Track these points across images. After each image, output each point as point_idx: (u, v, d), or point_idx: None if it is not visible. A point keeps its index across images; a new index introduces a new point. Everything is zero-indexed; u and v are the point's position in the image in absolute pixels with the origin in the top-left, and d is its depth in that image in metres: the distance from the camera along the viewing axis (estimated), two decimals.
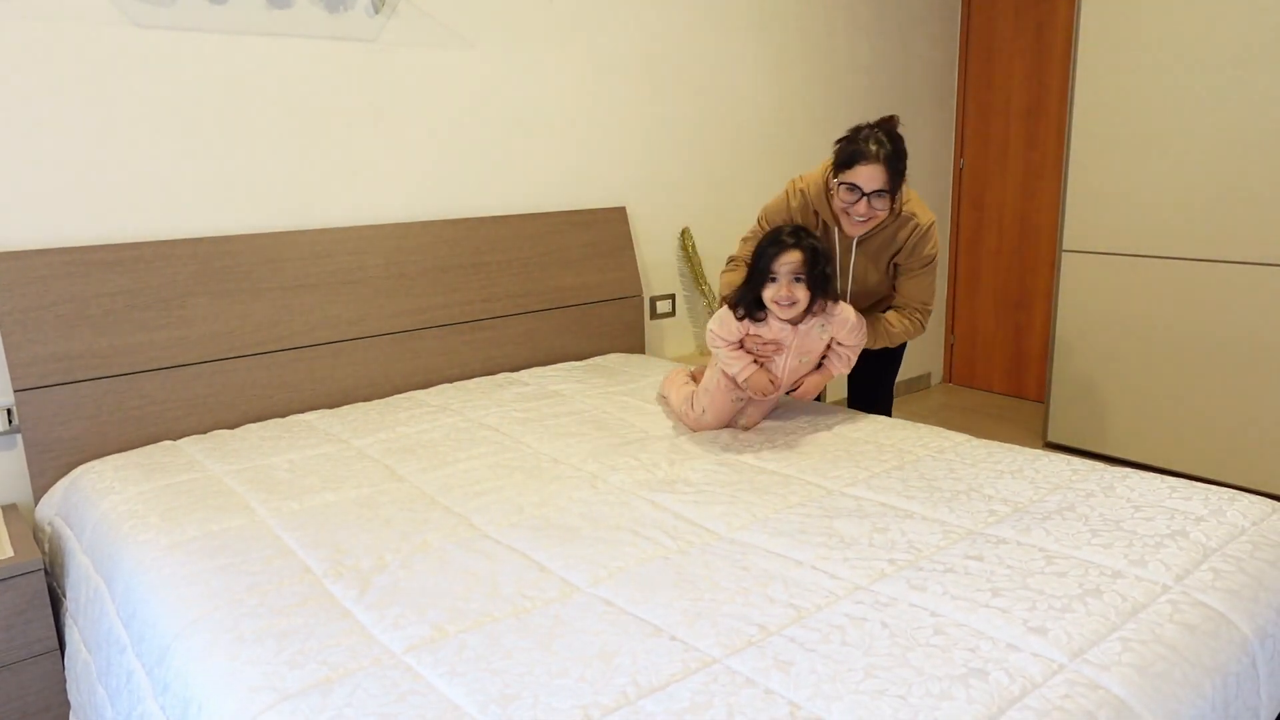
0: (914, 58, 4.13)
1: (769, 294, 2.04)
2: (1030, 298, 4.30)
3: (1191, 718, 1.13)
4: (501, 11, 2.78)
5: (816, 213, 2.27)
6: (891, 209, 2.16)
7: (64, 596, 1.85)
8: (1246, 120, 3.01)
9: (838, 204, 2.16)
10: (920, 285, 2.29)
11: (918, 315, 2.32)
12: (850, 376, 2.60)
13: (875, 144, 2.06)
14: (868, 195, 2.08)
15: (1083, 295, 3.53)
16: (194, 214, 2.31)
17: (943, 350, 4.72)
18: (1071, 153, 3.49)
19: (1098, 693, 1.10)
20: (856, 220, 2.15)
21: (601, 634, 1.25)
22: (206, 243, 2.28)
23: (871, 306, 2.41)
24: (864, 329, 2.18)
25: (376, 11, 2.53)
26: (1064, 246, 3.56)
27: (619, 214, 3.11)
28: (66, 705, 1.85)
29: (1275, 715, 1.35)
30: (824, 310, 2.10)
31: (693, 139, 3.35)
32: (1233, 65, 3.02)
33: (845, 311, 2.14)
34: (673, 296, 3.40)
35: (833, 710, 1.06)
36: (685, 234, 3.35)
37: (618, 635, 1.24)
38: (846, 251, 2.30)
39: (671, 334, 3.43)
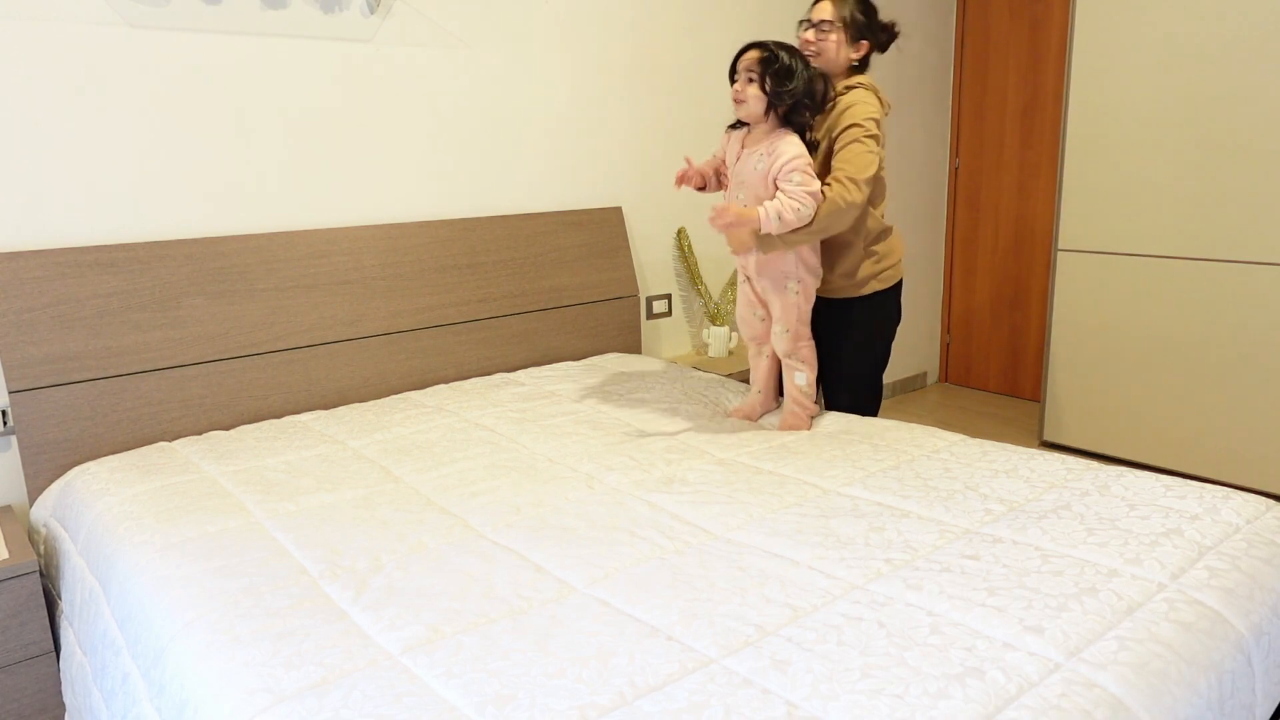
0: (909, 57, 4.14)
1: (731, 92, 2.13)
2: (1026, 297, 4.30)
3: (1187, 715, 1.13)
4: (497, 12, 2.78)
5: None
6: (837, 57, 2.20)
7: (59, 598, 1.84)
8: (1241, 119, 3.02)
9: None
10: (841, 155, 2.12)
11: (836, 184, 2.10)
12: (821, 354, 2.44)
13: None
14: (815, 24, 2.21)
15: (1078, 294, 3.54)
16: (189, 214, 2.31)
17: (938, 350, 4.72)
18: (1067, 152, 3.50)
19: (1094, 691, 1.10)
20: (807, 53, 2.20)
21: (598, 634, 1.25)
22: (201, 243, 2.27)
23: (830, 247, 2.31)
24: (808, 188, 2.04)
25: (372, 12, 2.52)
26: (1059, 246, 3.56)
27: (615, 214, 3.11)
28: (62, 707, 1.85)
29: (1271, 712, 1.36)
30: (769, 140, 2.09)
31: (688, 139, 3.35)
32: (1227, 64, 3.03)
33: (788, 146, 2.06)
34: (669, 296, 3.40)
35: (830, 710, 1.06)
36: (681, 234, 3.35)
37: (614, 636, 1.24)
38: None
39: (668, 334, 3.43)
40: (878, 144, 2.14)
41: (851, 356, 2.39)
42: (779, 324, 2.23)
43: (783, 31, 3.57)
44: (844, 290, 2.34)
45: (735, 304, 3.41)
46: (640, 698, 1.10)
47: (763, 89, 2.06)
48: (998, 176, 4.32)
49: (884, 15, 2.28)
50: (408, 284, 2.62)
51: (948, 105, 4.42)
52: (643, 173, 3.24)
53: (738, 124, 2.21)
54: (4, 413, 2.09)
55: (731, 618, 1.28)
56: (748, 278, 2.28)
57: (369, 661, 1.21)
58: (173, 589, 1.43)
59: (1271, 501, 1.66)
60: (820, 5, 2.24)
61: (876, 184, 2.27)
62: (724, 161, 2.27)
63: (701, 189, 2.31)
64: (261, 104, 2.38)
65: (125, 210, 2.21)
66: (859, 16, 2.22)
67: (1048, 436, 3.74)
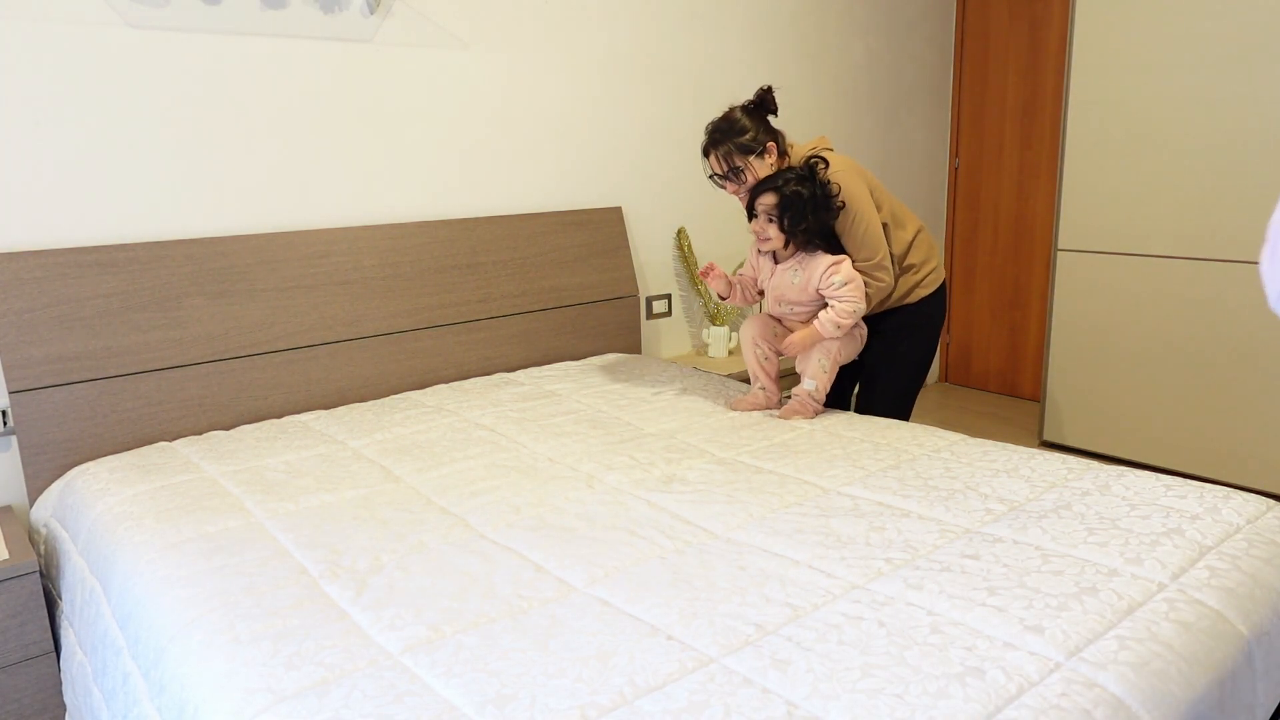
0: (909, 58, 4.14)
1: (750, 227, 2.27)
2: (1025, 297, 4.30)
3: (1188, 715, 1.13)
4: (497, 12, 2.78)
5: None
6: (763, 174, 2.24)
7: (59, 598, 1.84)
8: (1241, 118, 3.02)
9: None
10: (849, 239, 2.26)
11: (866, 275, 2.27)
12: (854, 378, 2.56)
13: (708, 136, 2.27)
14: (725, 177, 2.27)
15: (1078, 294, 3.54)
16: (189, 215, 2.31)
17: (939, 350, 4.72)
18: (1066, 151, 3.50)
19: (1094, 691, 1.10)
20: (741, 196, 2.29)
21: (598, 634, 1.25)
22: (201, 243, 2.27)
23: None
24: (851, 285, 2.20)
25: (372, 12, 2.52)
26: (1059, 245, 3.56)
27: (615, 214, 3.11)
28: (62, 707, 1.85)
29: (1271, 712, 1.35)
30: (798, 256, 2.26)
31: (688, 139, 3.35)
32: (1227, 63, 3.03)
33: (822, 260, 2.23)
34: (669, 296, 3.40)
35: (830, 709, 1.06)
36: (681, 234, 3.35)
37: (614, 635, 1.24)
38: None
39: (668, 334, 3.43)
40: (866, 203, 2.23)
41: (894, 360, 2.46)
42: (813, 363, 2.30)
43: (779, 31, 3.57)
44: (890, 305, 2.42)
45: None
46: (640, 697, 1.10)
47: (782, 229, 2.20)
48: (998, 176, 4.32)
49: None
50: (408, 284, 2.62)
51: (948, 105, 4.42)
52: (643, 173, 3.24)
53: (753, 216, 2.28)
54: (4, 413, 2.09)
55: (731, 617, 1.28)
56: (778, 320, 2.41)
57: (369, 661, 1.21)
58: (173, 589, 1.43)
59: (1272, 501, 1.66)
60: (710, 161, 2.27)
61: (888, 220, 2.34)
62: (754, 279, 2.42)
63: (724, 298, 2.44)
64: (261, 104, 2.38)
65: (125, 211, 2.21)
66: (744, 139, 2.21)
67: (1048, 436, 3.74)
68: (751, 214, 2.24)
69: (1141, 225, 3.32)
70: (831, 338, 2.25)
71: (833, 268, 2.21)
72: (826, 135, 3.82)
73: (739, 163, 2.23)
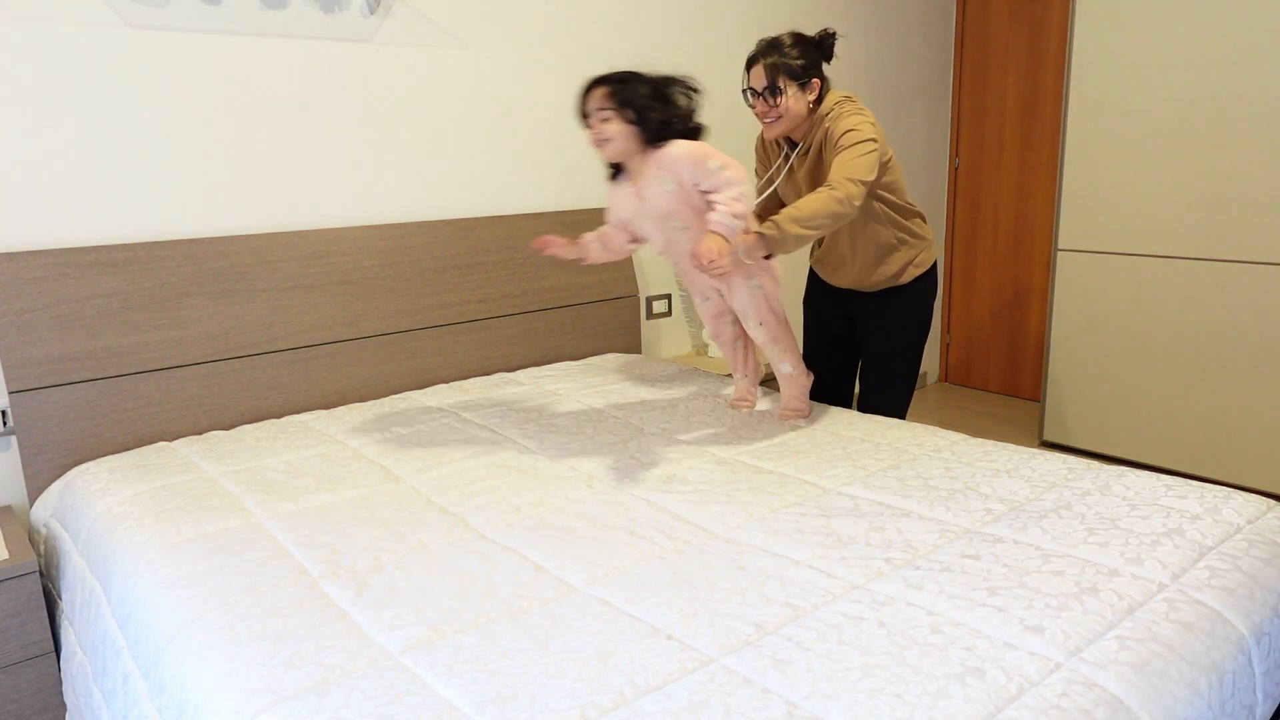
0: (909, 58, 4.14)
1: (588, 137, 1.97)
2: (1026, 297, 4.30)
3: (1188, 716, 1.13)
4: (497, 12, 2.78)
5: (777, 144, 2.39)
6: (799, 109, 2.19)
7: (59, 598, 1.84)
8: (1241, 119, 3.02)
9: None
10: (840, 160, 2.09)
11: (835, 185, 2.06)
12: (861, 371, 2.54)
13: (765, 47, 2.20)
14: (760, 94, 2.19)
15: (1078, 294, 3.54)
16: (188, 215, 2.31)
17: (939, 350, 4.72)
18: (1066, 152, 3.50)
19: (1094, 691, 1.10)
20: (766, 122, 2.24)
21: (598, 634, 1.25)
22: (201, 243, 2.27)
23: (866, 248, 2.36)
24: (731, 167, 1.90)
25: (372, 12, 2.52)
26: (1059, 245, 3.56)
27: None
28: (62, 707, 1.85)
29: (1271, 712, 1.35)
30: (654, 160, 1.94)
31: None
32: (1227, 64, 3.03)
33: (680, 148, 1.93)
34: (669, 296, 3.40)
35: (830, 709, 1.06)
36: None
37: (614, 635, 1.24)
38: (791, 176, 2.34)
39: (668, 334, 3.42)
40: (875, 142, 2.12)
41: (892, 347, 2.45)
42: (751, 320, 2.18)
43: (784, 30, 3.56)
44: (883, 284, 2.40)
45: None
46: (640, 697, 1.10)
47: (627, 121, 1.91)
48: (998, 176, 4.32)
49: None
50: (407, 284, 2.62)
51: (948, 105, 4.42)
52: None
53: (615, 173, 2.08)
54: (4, 413, 2.09)
55: (731, 617, 1.28)
56: (708, 296, 2.26)
57: (369, 661, 1.21)
58: (173, 589, 1.43)
59: (1272, 501, 1.66)
60: (754, 73, 2.20)
61: (892, 171, 2.31)
62: (620, 222, 2.13)
63: (580, 259, 2.22)
64: (261, 104, 2.38)
65: (125, 210, 2.21)
66: (795, 64, 2.17)
67: (1048, 436, 3.74)
68: (586, 123, 1.97)
69: (1141, 225, 3.32)
70: (734, 237, 1.86)
71: (694, 152, 1.89)
72: None
73: (782, 83, 2.16)
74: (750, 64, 2.22)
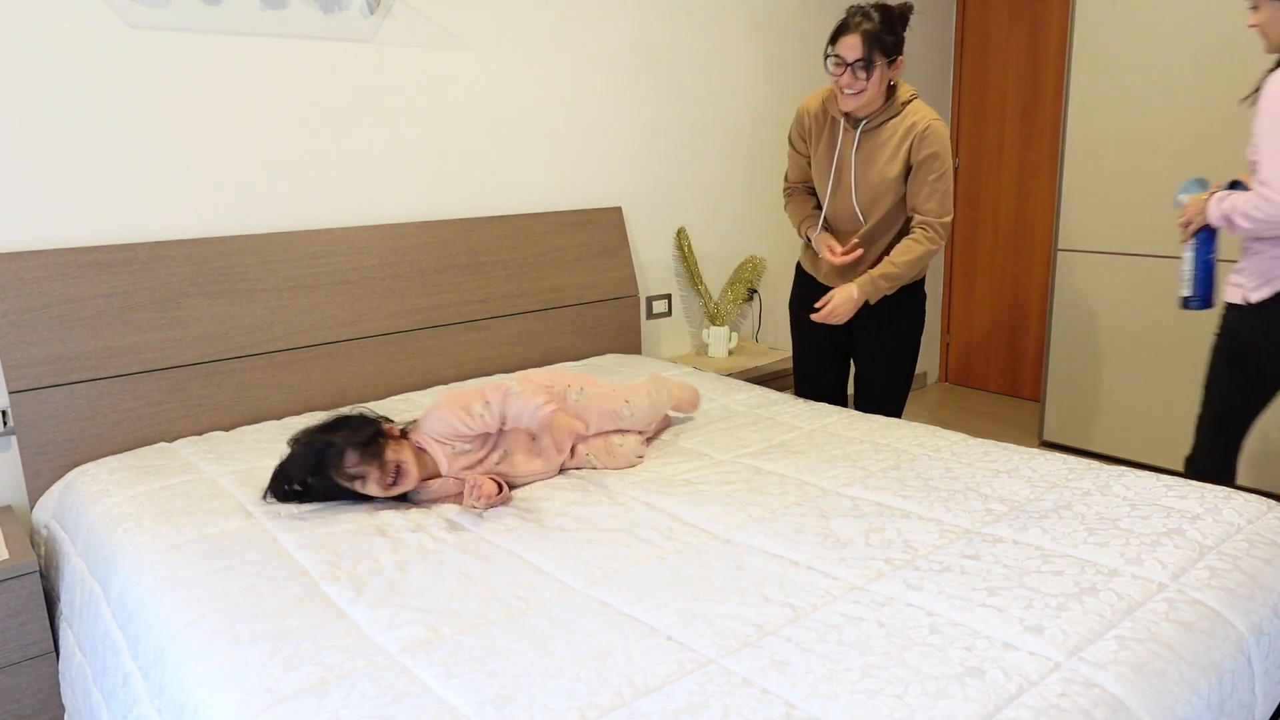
0: (909, 57, 4.14)
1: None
2: (1026, 297, 4.30)
3: (1187, 715, 1.13)
4: (497, 12, 2.78)
5: (819, 115, 2.38)
6: (882, 85, 2.20)
7: (59, 599, 1.84)
8: (1240, 118, 3.02)
9: (831, 83, 2.26)
10: (926, 191, 2.24)
11: (923, 230, 2.26)
12: (861, 371, 2.55)
13: (859, 18, 2.18)
14: (850, 65, 2.17)
15: (1078, 294, 3.54)
16: (188, 215, 2.31)
17: (939, 350, 4.72)
18: (1066, 151, 3.49)
19: (1094, 691, 1.10)
20: (846, 94, 2.22)
21: (597, 635, 1.25)
22: (201, 243, 2.27)
23: (879, 240, 2.40)
24: (457, 405, 1.74)
25: (372, 12, 2.52)
26: (1059, 245, 3.56)
27: (615, 214, 3.11)
28: (62, 708, 1.85)
29: (1270, 712, 1.35)
30: (414, 464, 1.71)
31: (688, 139, 3.35)
32: (1227, 64, 3.03)
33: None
34: (669, 296, 3.40)
35: (829, 710, 1.06)
36: (681, 234, 3.35)
37: (613, 636, 1.24)
38: (849, 152, 2.32)
39: (668, 334, 3.42)
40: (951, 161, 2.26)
41: (890, 346, 2.47)
42: (608, 423, 1.98)
43: (779, 31, 3.57)
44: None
45: (733, 304, 3.41)
46: (639, 698, 1.10)
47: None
48: (998, 176, 4.31)
49: (816, 21, 2.31)
50: (407, 284, 2.62)
51: (948, 105, 4.42)
52: (643, 173, 3.24)
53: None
54: (4, 413, 2.09)
55: (731, 618, 1.28)
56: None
57: (368, 661, 1.21)
58: (173, 590, 1.43)
59: (1272, 502, 1.66)
60: (849, 42, 2.16)
61: None
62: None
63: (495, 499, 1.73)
64: (261, 104, 2.38)
65: (125, 210, 2.21)
66: (887, 38, 2.15)
67: (1048, 436, 3.74)
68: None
69: (1141, 225, 3.32)
70: (874, 298, 2.28)
71: (447, 411, 1.73)
72: None
73: (876, 58, 2.15)
74: (842, 32, 2.18)
